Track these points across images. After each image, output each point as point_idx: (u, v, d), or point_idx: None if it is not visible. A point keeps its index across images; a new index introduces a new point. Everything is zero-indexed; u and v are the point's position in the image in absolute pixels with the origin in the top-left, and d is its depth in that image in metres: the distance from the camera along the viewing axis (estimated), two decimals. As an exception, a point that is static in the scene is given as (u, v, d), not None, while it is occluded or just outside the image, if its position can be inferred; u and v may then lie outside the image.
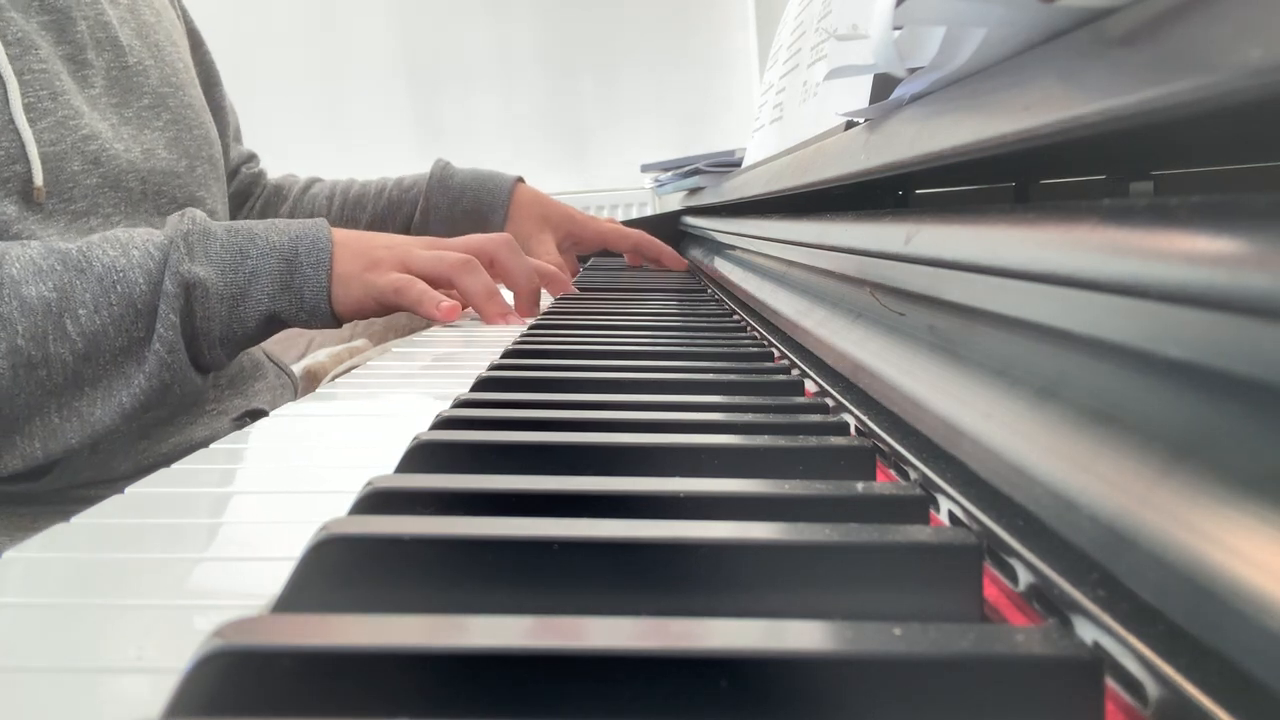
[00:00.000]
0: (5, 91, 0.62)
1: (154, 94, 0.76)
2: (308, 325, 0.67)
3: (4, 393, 0.54)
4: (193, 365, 0.61)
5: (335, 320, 0.66)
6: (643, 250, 1.07)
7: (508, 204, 0.98)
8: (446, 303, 0.66)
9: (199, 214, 0.63)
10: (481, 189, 0.98)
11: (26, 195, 0.63)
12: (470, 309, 0.71)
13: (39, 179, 0.63)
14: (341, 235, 0.66)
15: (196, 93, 0.83)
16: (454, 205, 0.98)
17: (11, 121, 0.62)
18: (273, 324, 0.65)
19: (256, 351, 0.84)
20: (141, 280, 0.58)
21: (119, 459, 0.66)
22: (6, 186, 0.62)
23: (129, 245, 0.58)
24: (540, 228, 0.98)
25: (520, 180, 1.01)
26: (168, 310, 0.58)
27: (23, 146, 0.63)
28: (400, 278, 0.66)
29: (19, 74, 0.64)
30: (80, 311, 0.56)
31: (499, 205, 0.98)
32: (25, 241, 0.57)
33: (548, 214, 0.99)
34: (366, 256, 0.66)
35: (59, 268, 0.56)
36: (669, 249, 1.08)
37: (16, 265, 0.55)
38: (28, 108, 0.64)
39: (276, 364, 0.89)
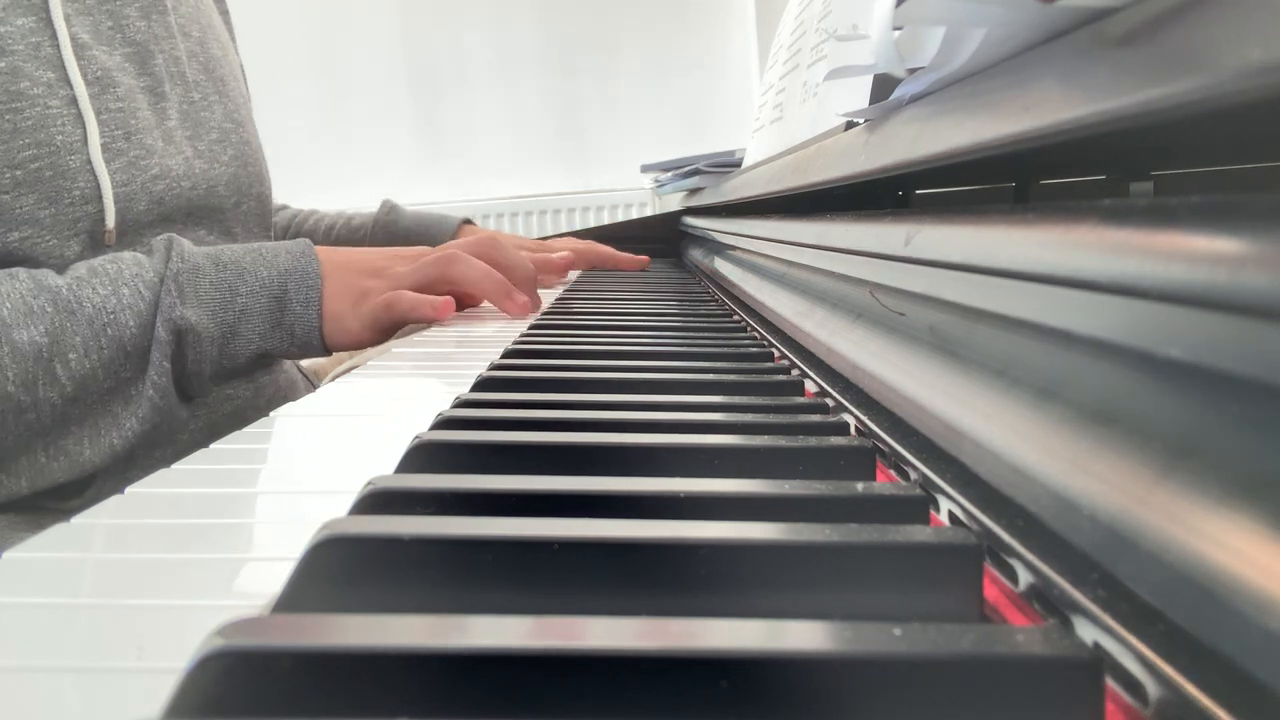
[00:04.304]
0: (85, 132, 0.62)
1: (219, 129, 0.76)
2: (299, 358, 0.67)
3: None
4: (181, 397, 0.61)
5: (327, 353, 0.66)
6: (601, 266, 1.08)
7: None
8: (439, 299, 0.66)
9: (186, 245, 0.62)
10: (425, 234, 0.99)
11: (95, 236, 0.63)
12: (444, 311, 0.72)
13: (110, 221, 0.63)
14: (329, 265, 0.66)
15: (254, 130, 0.83)
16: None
17: (89, 163, 0.62)
18: (263, 359, 0.65)
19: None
20: (132, 322, 0.57)
21: None
22: (76, 226, 0.62)
23: (118, 282, 0.57)
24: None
25: (467, 222, 1.02)
26: (160, 357, 0.58)
27: (98, 188, 0.62)
28: (388, 294, 0.66)
29: (98, 113, 0.63)
30: (70, 355, 0.55)
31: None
32: (14, 272, 0.56)
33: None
34: (355, 289, 0.66)
35: (50, 309, 0.55)
36: (624, 256, 1.10)
37: (7, 306, 0.53)
38: (104, 147, 0.63)
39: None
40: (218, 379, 0.63)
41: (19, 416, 0.54)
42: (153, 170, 0.67)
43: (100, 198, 0.62)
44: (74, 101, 0.62)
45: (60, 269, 0.59)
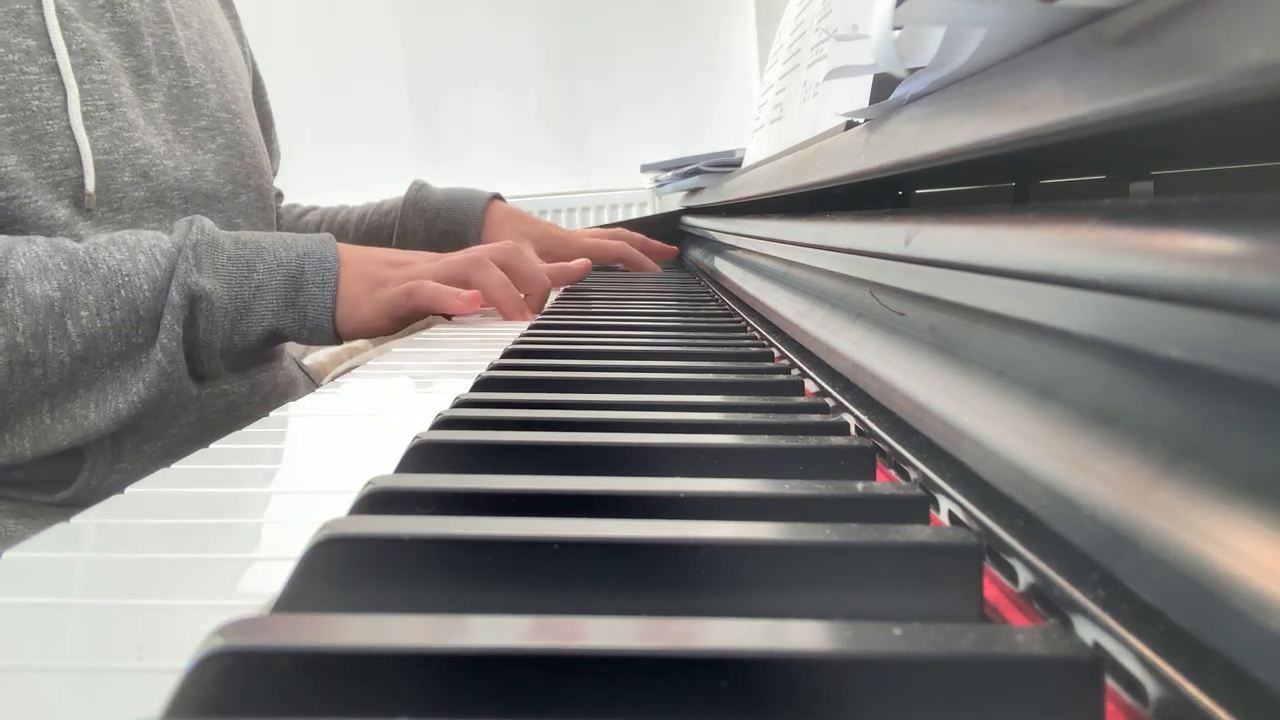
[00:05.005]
0: (65, 99, 0.64)
1: (211, 117, 0.77)
2: (309, 343, 0.67)
3: None
4: (191, 374, 0.62)
5: (337, 339, 0.67)
6: (626, 263, 1.07)
7: (481, 222, 0.99)
8: (466, 293, 0.66)
9: (207, 223, 0.63)
10: (455, 209, 0.99)
11: (78, 200, 0.64)
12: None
13: (90, 185, 0.64)
14: (348, 254, 0.67)
15: (253, 123, 0.84)
16: (430, 227, 0.99)
17: (69, 127, 0.64)
18: (274, 339, 0.65)
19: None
20: (146, 286, 0.58)
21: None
22: (59, 190, 0.63)
23: (136, 249, 0.59)
24: (518, 241, 0.99)
25: (496, 197, 1.02)
26: (172, 321, 0.58)
27: (77, 152, 0.64)
28: (408, 282, 0.66)
29: (80, 82, 0.65)
30: (82, 313, 0.56)
31: (473, 224, 0.99)
32: (32, 238, 0.58)
33: (525, 229, 1.00)
34: (373, 277, 0.67)
35: (64, 267, 0.56)
36: (648, 261, 1.08)
37: (23, 261, 0.55)
38: (85, 115, 0.65)
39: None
40: (227, 357, 0.63)
41: (26, 370, 0.55)
42: (136, 143, 0.68)
43: (80, 162, 0.64)
44: (55, 69, 0.64)
45: (50, 231, 0.61)
